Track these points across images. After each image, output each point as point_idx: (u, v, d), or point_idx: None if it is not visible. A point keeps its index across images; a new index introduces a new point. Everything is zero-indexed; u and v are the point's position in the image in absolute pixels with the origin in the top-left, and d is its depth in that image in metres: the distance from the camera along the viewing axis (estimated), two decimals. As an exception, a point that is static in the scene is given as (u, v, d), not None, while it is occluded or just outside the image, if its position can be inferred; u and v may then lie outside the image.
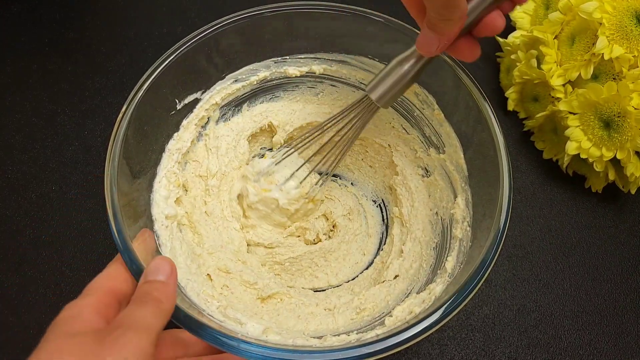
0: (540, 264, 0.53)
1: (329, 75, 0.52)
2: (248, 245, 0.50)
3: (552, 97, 0.52)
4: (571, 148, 0.51)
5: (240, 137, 0.52)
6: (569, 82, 0.51)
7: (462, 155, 0.46)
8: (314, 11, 0.47)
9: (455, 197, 0.46)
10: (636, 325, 0.50)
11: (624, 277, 0.52)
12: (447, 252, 0.44)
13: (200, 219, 0.48)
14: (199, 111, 0.49)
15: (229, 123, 0.52)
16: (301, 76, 0.52)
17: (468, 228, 0.43)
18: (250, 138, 0.53)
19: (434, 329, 0.33)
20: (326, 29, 0.48)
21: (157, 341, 0.30)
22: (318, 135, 0.49)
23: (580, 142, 0.51)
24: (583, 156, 0.51)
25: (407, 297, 0.44)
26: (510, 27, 0.58)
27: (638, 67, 0.47)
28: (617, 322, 0.50)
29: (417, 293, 0.42)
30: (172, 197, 0.45)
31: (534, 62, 0.53)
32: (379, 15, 0.46)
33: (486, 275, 0.36)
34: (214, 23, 0.45)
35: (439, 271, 0.43)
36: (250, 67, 0.50)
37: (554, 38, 0.52)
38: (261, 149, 0.56)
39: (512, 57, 0.58)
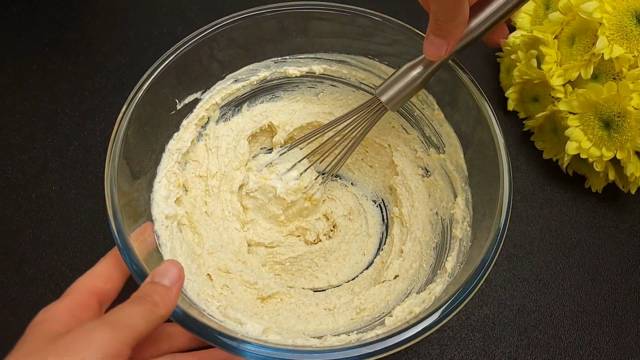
0: (540, 264, 0.53)
1: (329, 75, 0.52)
2: (249, 245, 0.50)
3: (552, 97, 0.52)
4: (571, 148, 0.51)
5: (240, 137, 0.52)
6: (569, 82, 0.51)
7: (462, 155, 0.46)
8: (314, 11, 0.47)
9: (455, 197, 0.46)
10: (636, 325, 0.50)
11: (624, 277, 0.52)
12: (447, 252, 0.44)
13: (201, 219, 0.48)
14: (199, 111, 0.49)
15: (229, 123, 0.52)
16: (301, 76, 0.52)
17: (468, 228, 0.43)
18: (250, 138, 0.53)
19: (434, 329, 0.33)
20: (326, 29, 0.48)
21: (136, 343, 0.29)
22: (325, 134, 0.49)
23: (580, 142, 0.51)
24: (583, 156, 0.51)
25: (407, 297, 0.44)
26: (510, 27, 0.58)
27: (638, 67, 0.47)
28: (617, 322, 0.50)
29: (417, 293, 0.42)
30: (172, 197, 0.45)
31: (534, 62, 0.53)
32: (379, 15, 0.46)
33: (486, 275, 0.36)
34: (214, 23, 0.45)
35: (439, 271, 0.43)
36: (250, 67, 0.50)
37: (554, 38, 0.52)
38: (261, 149, 0.56)
39: (512, 57, 0.58)
